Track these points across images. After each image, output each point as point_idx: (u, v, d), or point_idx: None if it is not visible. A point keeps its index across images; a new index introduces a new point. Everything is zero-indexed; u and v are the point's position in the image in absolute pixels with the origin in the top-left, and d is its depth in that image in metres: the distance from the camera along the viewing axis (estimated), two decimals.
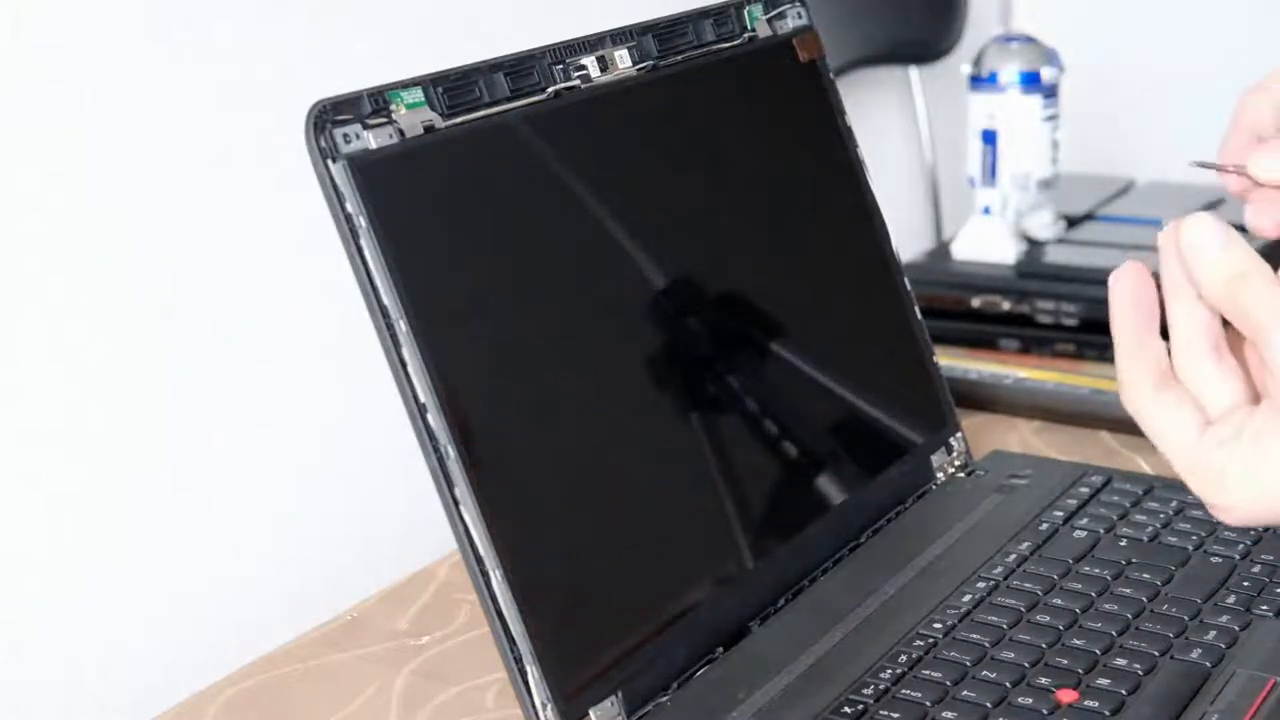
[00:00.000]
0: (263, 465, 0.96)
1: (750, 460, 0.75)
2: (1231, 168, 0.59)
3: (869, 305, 0.86)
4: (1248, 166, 0.58)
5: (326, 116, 0.61)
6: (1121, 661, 0.67)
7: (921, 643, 0.70)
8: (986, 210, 1.18)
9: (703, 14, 0.78)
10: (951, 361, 1.01)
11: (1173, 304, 0.53)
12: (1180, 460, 0.53)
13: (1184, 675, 0.66)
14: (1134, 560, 0.76)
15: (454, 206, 0.65)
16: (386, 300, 0.61)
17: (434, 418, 0.61)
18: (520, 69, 0.68)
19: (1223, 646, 0.68)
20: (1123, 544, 0.78)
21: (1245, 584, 0.73)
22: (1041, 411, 0.99)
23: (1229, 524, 0.53)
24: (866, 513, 0.80)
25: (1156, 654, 0.68)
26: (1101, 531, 0.79)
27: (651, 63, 0.74)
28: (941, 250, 1.21)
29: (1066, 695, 0.65)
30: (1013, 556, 0.77)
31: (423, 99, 0.64)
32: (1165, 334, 0.55)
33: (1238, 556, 0.76)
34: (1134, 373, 0.54)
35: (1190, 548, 0.77)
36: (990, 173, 1.17)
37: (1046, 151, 1.17)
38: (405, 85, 0.64)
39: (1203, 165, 0.60)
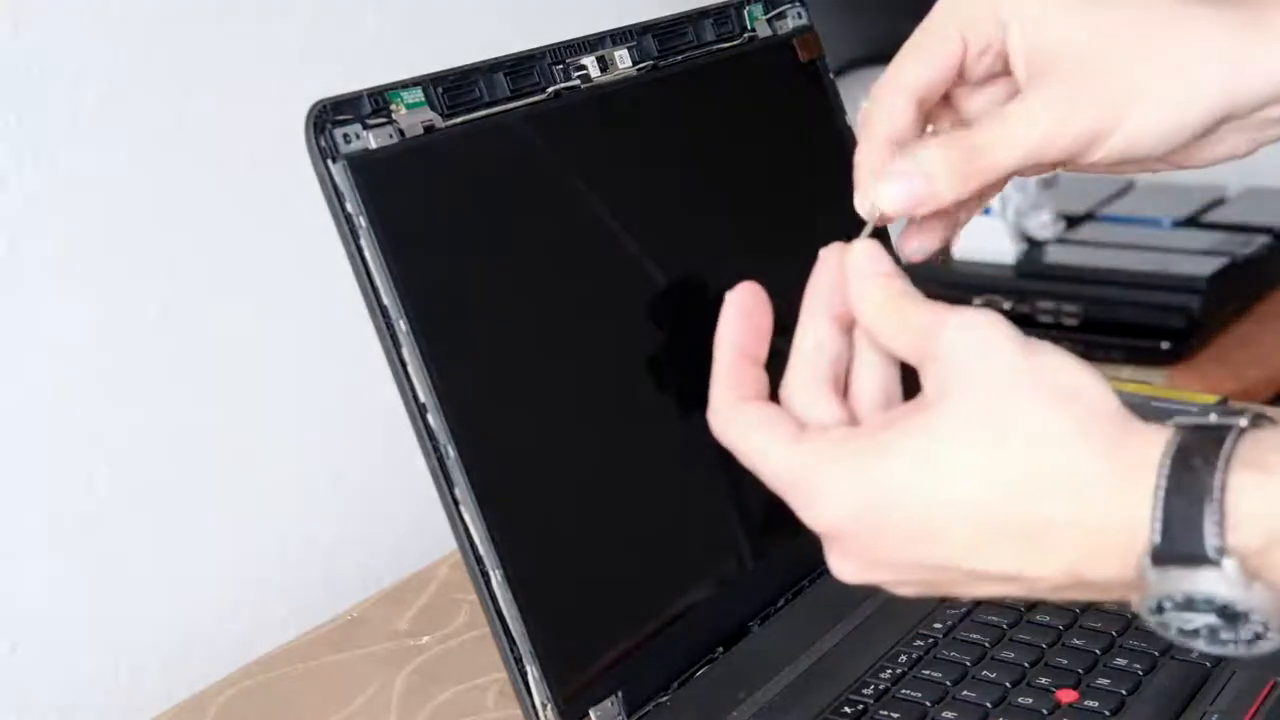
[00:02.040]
0: (262, 465, 0.96)
1: None
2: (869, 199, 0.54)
3: None
4: (878, 199, 0.53)
5: (326, 116, 0.61)
6: (1121, 661, 0.67)
7: (921, 643, 0.70)
8: (986, 210, 1.18)
9: (703, 14, 0.78)
10: None
11: (806, 322, 0.51)
12: (780, 474, 0.49)
13: (1184, 675, 0.66)
14: None
15: (454, 206, 0.65)
16: (386, 300, 0.61)
17: (434, 418, 0.61)
18: (520, 69, 0.68)
19: None
20: None
21: None
22: None
23: (829, 554, 0.50)
24: None
25: (1156, 654, 0.68)
26: None
27: (651, 63, 0.74)
28: (941, 250, 1.21)
29: (1066, 695, 0.65)
30: None
31: (423, 99, 0.64)
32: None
33: None
34: (725, 393, 0.51)
35: None
36: None
37: None
38: (405, 85, 0.64)
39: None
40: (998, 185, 0.55)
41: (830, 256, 0.51)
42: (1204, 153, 0.54)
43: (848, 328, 0.51)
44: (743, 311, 0.52)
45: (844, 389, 0.50)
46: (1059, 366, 0.46)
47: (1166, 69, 0.51)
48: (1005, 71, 0.55)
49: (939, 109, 0.56)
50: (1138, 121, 0.51)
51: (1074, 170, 0.54)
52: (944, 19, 0.55)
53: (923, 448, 0.46)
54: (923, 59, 0.54)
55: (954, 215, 0.57)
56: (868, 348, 0.50)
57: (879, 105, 0.54)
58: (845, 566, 0.49)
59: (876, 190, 0.52)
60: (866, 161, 0.54)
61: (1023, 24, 0.53)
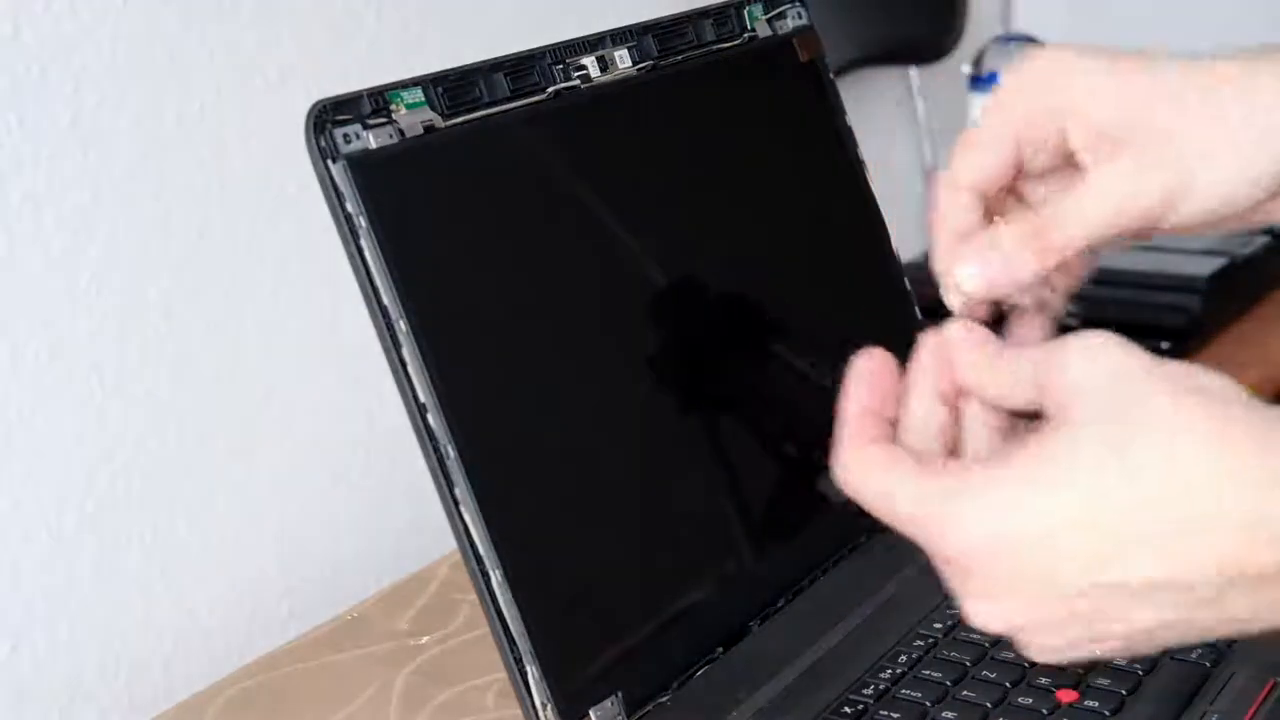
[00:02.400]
0: (263, 465, 0.96)
1: (750, 460, 0.75)
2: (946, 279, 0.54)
3: (869, 305, 0.86)
4: (955, 278, 0.53)
5: (326, 116, 0.61)
6: (1121, 661, 0.67)
7: (921, 643, 0.70)
8: None
9: (703, 14, 0.78)
10: None
11: (913, 404, 0.51)
12: (909, 510, 0.49)
13: (1184, 675, 0.66)
14: None
15: (454, 206, 0.65)
16: (386, 300, 0.61)
17: (434, 418, 0.61)
18: (520, 69, 0.68)
19: (1223, 646, 0.68)
20: None
21: None
22: None
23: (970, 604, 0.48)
24: (867, 512, 0.80)
25: (1156, 654, 0.68)
26: None
27: (651, 63, 0.74)
28: None
29: (1066, 695, 0.65)
30: None
31: (423, 99, 0.64)
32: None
33: None
34: (848, 442, 0.52)
35: None
36: None
37: None
38: (405, 85, 0.64)
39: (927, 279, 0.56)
40: (1080, 263, 0.55)
41: (926, 341, 0.51)
42: None
43: (952, 402, 0.51)
44: (869, 379, 0.52)
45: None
46: (1184, 371, 0.45)
47: (1233, 123, 0.51)
48: (1070, 164, 0.54)
49: (1009, 204, 0.56)
50: (1211, 178, 0.51)
51: (1156, 235, 0.53)
52: (996, 119, 0.54)
53: (1047, 465, 0.45)
54: (977, 155, 0.54)
55: (1045, 308, 0.56)
56: (978, 413, 0.51)
57: (942, 202, 0.55)
58: (982, 608, 0.48)
59: (955, 273, 0.53)
60: (942, 257, 0.54)
61: (1077, 114, 0.52)
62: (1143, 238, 0.53)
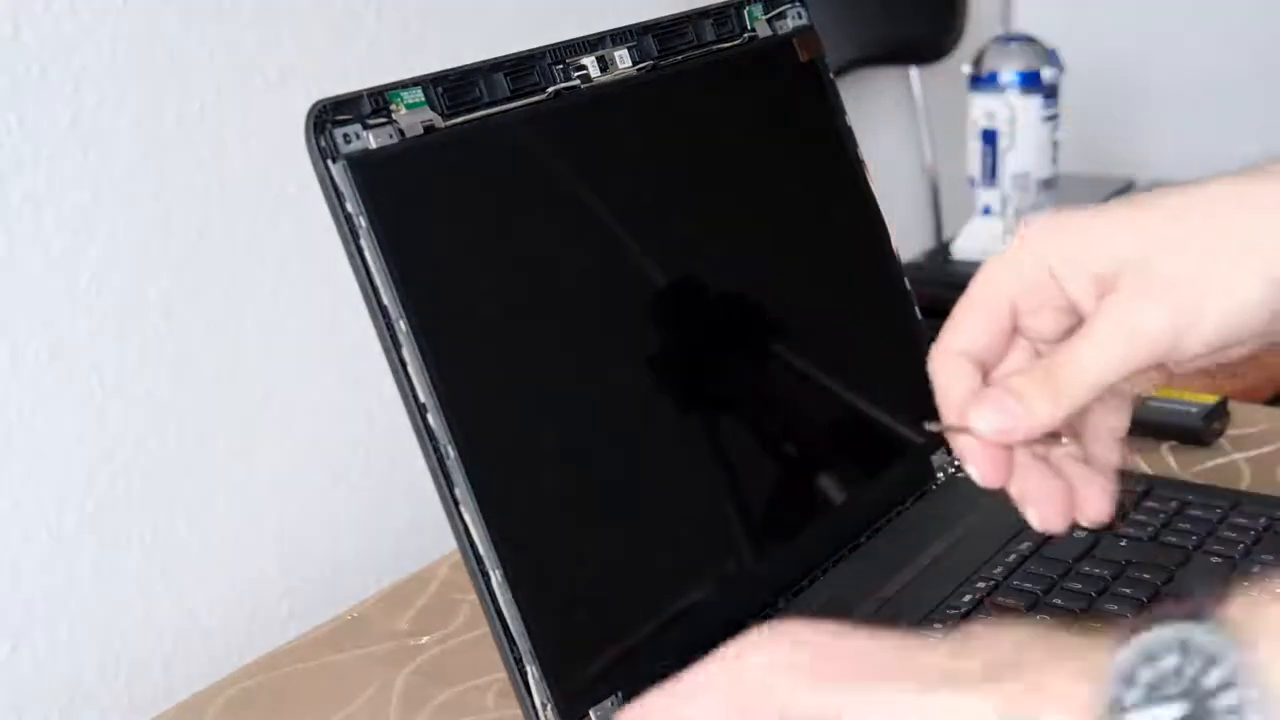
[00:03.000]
0: (263, 465, 0.96)
1: (750, 460, 0.75)
2: (960, 428, 0.53)
3: (869, 305, 0.86)
4: (970, 424, 0.52)
5: (326, 116, 0.61)
6: None
7: None
8: (986, 210, 1.18)
9: (703, 14, 0.78)
10: None
11: None
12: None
13: None
14: (1134, 560, 0.76)
15: (454, 206, 0.65)
16: (386, 300, 0.61)
17: (434, 418, 0.61)
18: (520, 69, 0.68)
19: None
20: (1123, 544, 0.78)
21: (1245, 584, 0.73)
22: None
23: None
24: (866, 512, 0.80)
25: None
26: (1101, 531, 0.79)
27: (651, 63, 0.74)
28: (941, 250, 1.21)
29: None
30: (1013, 556, 0.77)
31: (423, 99, 0.64)
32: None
33: (1237, 556, 0.76)
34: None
35: (1190, 547, 0.77)
36: (990, 173, 1.17)
37: (1046, 151, 1.17)
38: (405, 85, 0.64)
39: (935, 430, 0.54)
40: (1104, 416, 0.54)
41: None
42: None
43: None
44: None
45: None
46: None
47: (1232, 247, 0.49)
48: (1075, 323, 0.53)
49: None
50: (1219, 305, 0.49)
51: (1176, 367, 0.52)
52: (985, 287, 0.53)
53: None
54: (968, 319, 0.53)
55: (1099, 465, 0.55)
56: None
57: (939, 371, 0.54)
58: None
59: (970, 419, 0.51)
60: (946, 408, 0.53)
61: (1071, 264, 0.51)
62: (1162, 375, 0.52)
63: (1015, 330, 0.54)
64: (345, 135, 0.61)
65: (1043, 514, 0.52)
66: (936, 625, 0.71)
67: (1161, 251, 0.50)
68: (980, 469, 0.52)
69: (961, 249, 1.17)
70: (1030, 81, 1.15)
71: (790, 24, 0.83)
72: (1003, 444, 0.51)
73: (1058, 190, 1.21)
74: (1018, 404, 0.50)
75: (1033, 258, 0.52)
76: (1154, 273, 0.50)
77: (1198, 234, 0.50)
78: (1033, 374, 0.51)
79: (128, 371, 0.88)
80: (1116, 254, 0.50)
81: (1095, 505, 0.53)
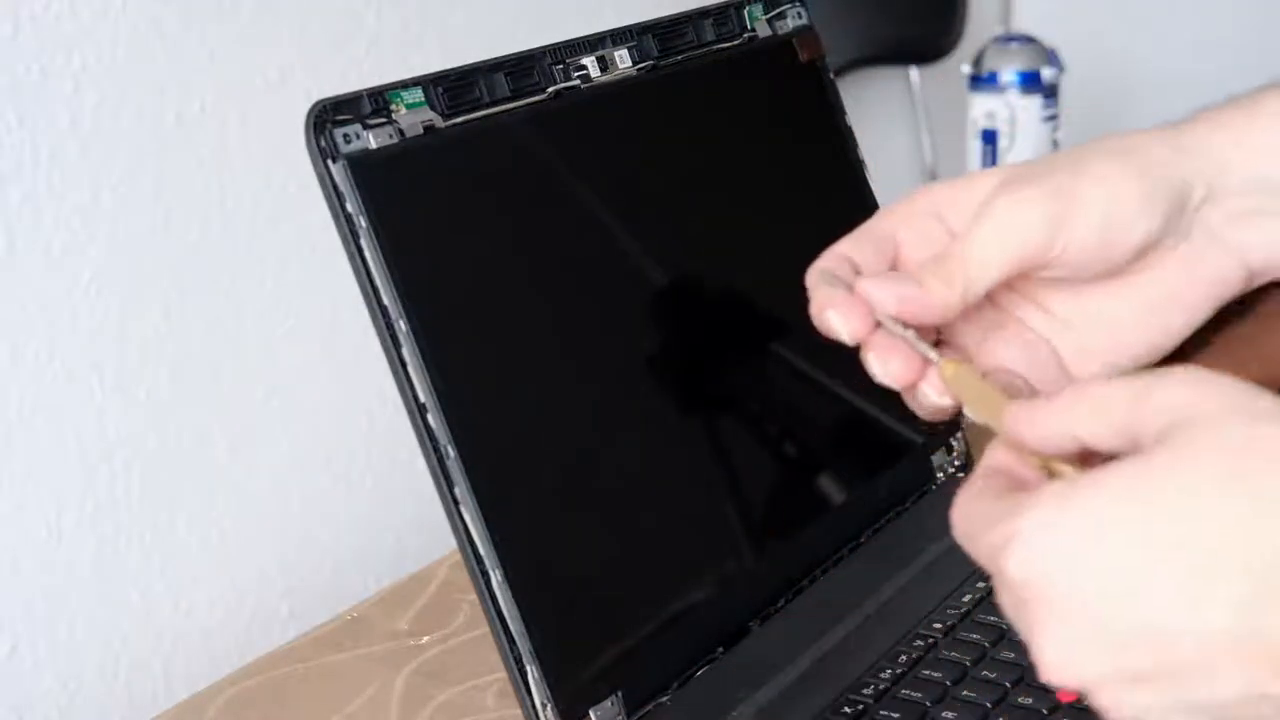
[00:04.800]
0: (263, 465, 0.96)
1: (750, 460, 0.75)
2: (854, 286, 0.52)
3: None
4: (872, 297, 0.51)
5: (326, 116, 0.61)
6: None
7: (921, 643, 0.70)
8: None
9: (703, 14, 0.78)
10: None
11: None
12: (965, 521, 0.47)
13: None
14: None
15: (454, 206, 0.65)
16: (386, 300, 0.61)
17: (434, 418, 0.61)
18: (520, 69, 0.68)
19: None
20: None
21: None
22: None
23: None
24: (867, 512, 0.80)
25: None
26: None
27: (651, 63, 0.74)
28: None
29: (1066, 695, 0.65)
30: None
31: (423, 99, 0.64)
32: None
33: None
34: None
35: None
36: None
37: (1046, 151, 1.17)
38: (405, 85, 0.64)
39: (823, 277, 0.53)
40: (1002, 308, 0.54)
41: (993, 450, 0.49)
42: (1187, 269, 0.52)
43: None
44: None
45: None
46: None
47: (1103, 151, 0.51)
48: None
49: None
50: (1094, 191, 0.50)
51: (1064, 277, 0.53)
52: (875, 221, 0.54)
53: (1140, 482, 0.41)
54: (854, 243, 0.54)
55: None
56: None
57: (820, 263, 0.53)
58: (1048, 651, 0.42)
59: (867, 291, 0.51)
60: (828, 291, 0.52)
61: (958, 205, 0.53)
62: (1046, 271, 0.52)
63: (895, 266, 0.54)
64: (345, 135, 0.61)
65: (886, 364, 0.51)
66: (935, 625, 0.71)
67: (1044, 168, 0.52)
68: (849, 323, 0.51)
69: None
70: (1030, 81, 1.15)
71: (790, 24, 0.83)
72: (896, 316, 0.51)
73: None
74: (915, 285, 0.51)
75: (924, 199, 0.54)
76: (1031, 172, 0.51)
77: (1071, 153, 0.52)
78: (928, 264, 0.51)
79: (128, 371, 0.88)
80: (995, 183, 0.52)
81: (937, 389, 0.52)
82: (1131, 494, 0.41)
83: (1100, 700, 0.42)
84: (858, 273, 0.52)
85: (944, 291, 0.50)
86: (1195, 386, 0.43)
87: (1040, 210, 0.51)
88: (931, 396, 0.51)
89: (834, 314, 0.51)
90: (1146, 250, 0.52)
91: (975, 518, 0.46)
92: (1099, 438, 0.44)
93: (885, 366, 0.51)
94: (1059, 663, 0.42)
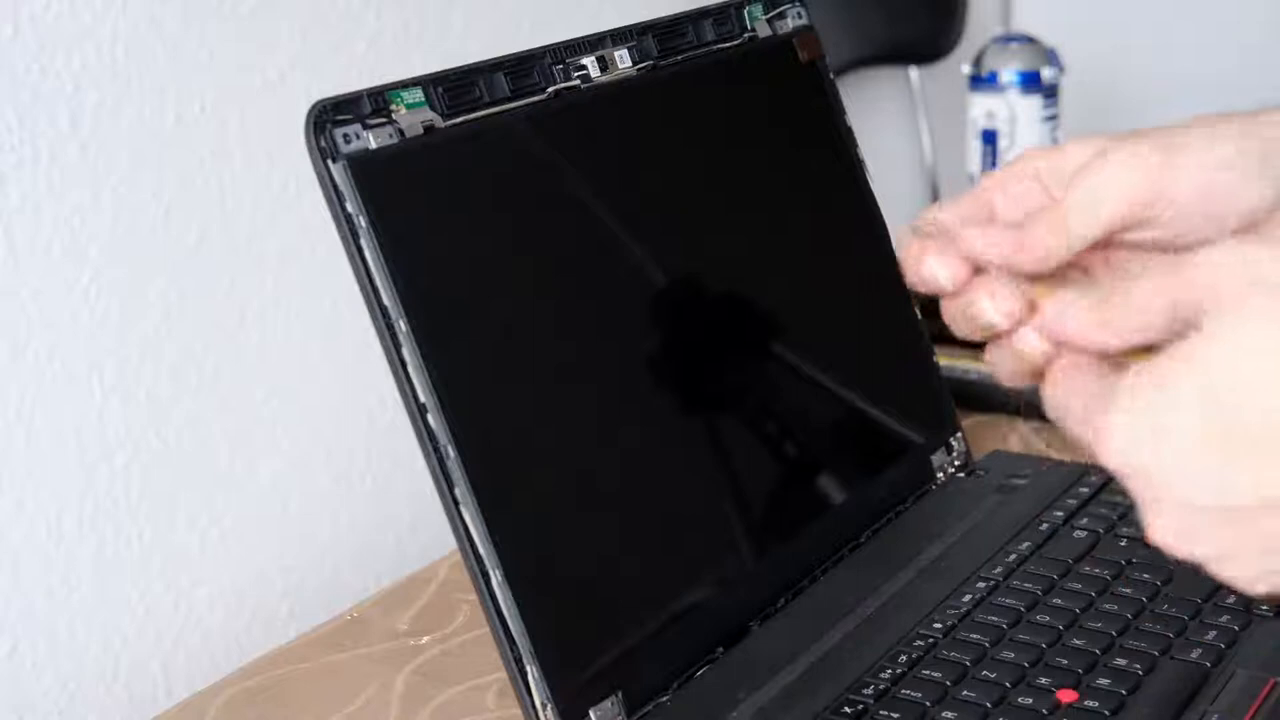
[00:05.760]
0: (263, 465, 0.96)
1: (750, 460, 0.75)
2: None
3: (869, 305, 0.86)
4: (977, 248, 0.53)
5: (326, 116, 0.61)
6: (1121, 661, 0.67)
7: (921, 643, 0.70)
8: None
9: (703, 14, 0.78)
10: (951, 361, 1.01)
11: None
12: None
13: (1184, 675, 0.66)
14: (1134, 560, 0.76)
15: (454, 206, 0.65)
16: (386, 300, 0.61)
17: (434, 418, 0.61)
18: (520, 69, 0.68)
19: (1222, 646, 0.68)
20: (1123, 544, 0.78)
21: None
22: (1042, 411, 0.99)
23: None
24: (866, 513, 0.80)
25: (1156, 654, 0.68)
26: (1101, 531, 0.79)
27: (651, 63, 0.74)
28: None
29: (1066, 695, 0.65)
30: (1013, 556, 0.77)
31: (423, 99, 0.64)
32: None
33: None
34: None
35: None
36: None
37: None
38: (405, 85, 0.64)
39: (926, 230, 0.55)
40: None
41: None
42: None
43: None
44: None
45: None
46: None
47: (1207, 122, 0.53)
48: None
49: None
50: (1200, 147, 0.52)
51: (1166, 239, 0.53)
52: (975, 190, 0.56)
53: (1221, 346, 0.45)
54: (959, 202, 0.56)
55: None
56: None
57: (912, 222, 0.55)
58: (1156, 528, 0.46)
59: (971, 240, 0.52)
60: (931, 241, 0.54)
61: (1057, 171, 0.55)
62: (1147, 238, 0.53)
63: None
64: (345, 135, 0.61)
65: (999, 302, 0.52)
66: (935, 625, 0.71)
67: (1147, 129, 0.53)
68: (948, 267, 0.53)
69: None
70: (1030, 81, 1.15)
71: (790, 24, 0.83)
72: (999, 263, 0.52)
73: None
74: (1023, 233, 0.52)
75: (1022, 164, 0.56)
76: (1140, 133, 0.53)
77: (1183, 122, 0.54)
78: (1035, 214, 0.53)
79: (128, 371, 0.88)
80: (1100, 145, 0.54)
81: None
82: (1192, 373, 0.45)
83: (1218, 571, 0.47)
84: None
85: (1050, 239, 0.52)
86: (1225, 267, 0.46)
87: (1146, 163, 0.52)
88: (1031, 339, 0.53)
89: (934, 259, 0.53)
90: (1258, 221, 0.52)
91: (1070, 406, 0.50)
92: (1157, 330, 0.48)
93: (999, 304, 0.52)
94: (1168, 538, 0.46)
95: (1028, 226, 0.52)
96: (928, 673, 0.67)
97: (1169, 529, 0.46)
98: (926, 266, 0.53)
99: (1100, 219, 0.52)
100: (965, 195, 0.56)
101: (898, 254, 0.55)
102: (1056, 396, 0.51)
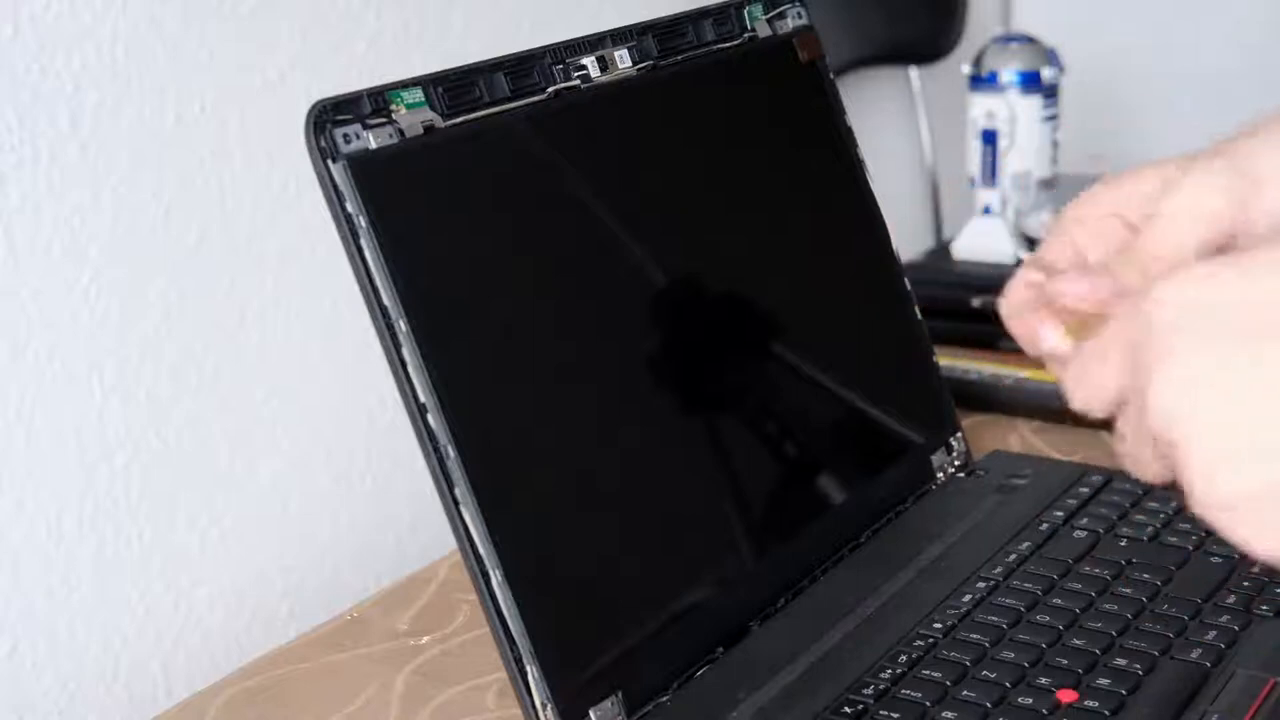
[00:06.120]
0: (263, 465, 0.96)
1: (750, 460, 0.75)
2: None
3: (869, 305, 0.86)
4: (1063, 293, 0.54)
5: (326, 116, 0.61)
6: (1121, 661, 0.67)
7: (921, 643, 0.70)
8: (986, 210, 1.18)
9: (703, 14, 0.78)
10: (951, 361, 1.01)
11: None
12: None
13: (1184, 675, 0.66)
14: (1134, 560, 0.76)
15: (454, 206, 0.65)
16: (386, 300, 0.61)
17: (434, 418, 0.61)
18: (520, 69, 0.68)
19: (1223, 646, 0.68)
20: (1123, 544, 0.78)
21: (1245, 584, 0.73)
22: (1041, 411, 0.99)
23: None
24: (866, 513, 0.80)
25: (1156, 654, 0.68)
26: (1101, 531, 0.79)
27: (651, 63, 0.74)
28: (941, 250, 1.21)
29: (1066, 695, 0.65)
30: (1013, 556, 0.77)
31: (423, 99, 0.64)
32: None
33: (1237, 556, 0.76)
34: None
35: (1190, 547, 0.77)
36: (990, 173, 1.17)
37: (1046, 151, 1.17)
38: (405, 85, 0.64)
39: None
40: None
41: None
42: None
43: None
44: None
45: None
46: None
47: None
48: None
49: None
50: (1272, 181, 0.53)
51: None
52: (1053, 232, 0.58)
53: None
54: (1040, 253, 0.58)
55: None
56: None
57: (1010, 297, 0.57)
58: (1197, 488, 0.47)
59: (1061, 288, 0.53)
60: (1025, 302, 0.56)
61: (1126, 198, 0.56)
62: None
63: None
64: (345, 135, 0.61)
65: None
66: (935, 625, 0.71)
67: (1213, 148, 0.54)
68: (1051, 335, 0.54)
69: (961, 249, 1.17)
70: (1030, 81, 1.15)
71: (790, 24, 0.83)
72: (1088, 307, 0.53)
73: (1058, 190, 1.21)
74: (1110, 279, 0.53)
75: (1095, 205, 0.57)
76: (1209, 153, 0.54)
77: (1244, 132, 0.54)
78: (1119, 256, 0.54)
79: (128, 371, 0.88)
80: (1171, 174, 0.55)
81: None
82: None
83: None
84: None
85: (1139, 280, 0.52)
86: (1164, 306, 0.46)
87: (1223, 191, 0.53)
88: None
89: (1047, 329, 0.54)
90: None
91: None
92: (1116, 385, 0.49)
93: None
94: (1206, 500, 0.47)
95: (1117, 270, 0.53)
96: (928, 673, 0.67)
97: (1205, 497, 0.47)
98: (1044, 340, 0.54)
99: (1186, 254, 0.52)
100: (1051, 238, 0.58)
101: (1000, 310, 0.57)
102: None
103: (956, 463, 0.87)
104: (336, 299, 0.98)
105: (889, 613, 0.73)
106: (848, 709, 0.65)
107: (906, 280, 0.86)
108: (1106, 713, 0.64)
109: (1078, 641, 0.69)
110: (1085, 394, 0.50)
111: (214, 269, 0.93)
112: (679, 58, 0.76)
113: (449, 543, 0.62)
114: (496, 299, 0.66)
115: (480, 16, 1.07)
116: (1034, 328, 0.54)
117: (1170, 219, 0.53)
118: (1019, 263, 1.15)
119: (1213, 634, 0.69)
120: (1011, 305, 0.56)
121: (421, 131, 0.64)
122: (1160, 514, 0.80)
